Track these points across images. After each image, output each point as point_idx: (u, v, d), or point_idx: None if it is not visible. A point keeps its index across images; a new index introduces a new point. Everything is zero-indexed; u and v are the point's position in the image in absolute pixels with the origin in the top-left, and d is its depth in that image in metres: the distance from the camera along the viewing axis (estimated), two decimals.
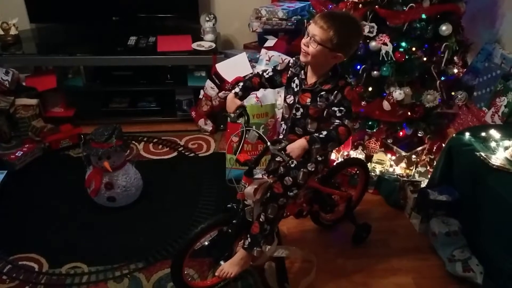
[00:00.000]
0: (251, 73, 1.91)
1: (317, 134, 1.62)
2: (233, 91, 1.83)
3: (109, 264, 2.07)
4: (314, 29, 1.60)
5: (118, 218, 2.36)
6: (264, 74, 1.86)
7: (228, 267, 1.82)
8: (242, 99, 1.82)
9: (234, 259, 1.84)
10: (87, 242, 2.20)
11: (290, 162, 1.77)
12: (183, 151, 2.96)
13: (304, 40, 1.66)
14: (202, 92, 3.12)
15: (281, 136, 1.88)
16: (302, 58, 1.69)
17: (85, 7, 3.25)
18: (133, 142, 3.01)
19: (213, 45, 3.16)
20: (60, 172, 2.71)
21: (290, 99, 1.81)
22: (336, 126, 1.64)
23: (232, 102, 1.79)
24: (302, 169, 1.80)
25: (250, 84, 1.86)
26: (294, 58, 1.81)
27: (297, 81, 1.78)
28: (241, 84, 1.85)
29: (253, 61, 3.08)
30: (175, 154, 2.93)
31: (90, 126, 2.77)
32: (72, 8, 3.26)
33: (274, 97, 2.72)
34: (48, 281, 1.99)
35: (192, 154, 2.93)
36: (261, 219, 1.79)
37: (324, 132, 1.62)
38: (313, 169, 1.83)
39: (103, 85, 3.28)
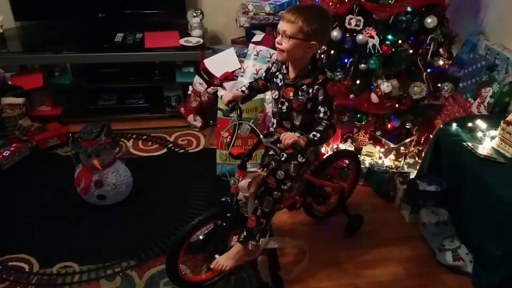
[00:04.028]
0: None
1: (312, 137, 1.68)
2: (240, 89, 1.92)
3: (100, 263, 2.06)
4: (283, 25, 1.66)
5: (109, 216, 2.34)
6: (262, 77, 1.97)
7: (224, 260, 1.82)
8: (248, 98, 1.92)
9: (229, 252, 1.83)
10: (78, 241, 2.19)
11: (281, 155, 1.79)
12: (172, 148, 2.95)
13: (277, 39, 1.70)
14: (190, 88, 3.11)
15: (271, 130, 1.90)
16: (278, 57, 1.75)
17: (71, 4, 3.22)
18: (122, 139, 2.99)
19: (201, 40, 3.15)
20: (48, 171, 2.69)
21: (275, 93, 1.86)
22: (326, 127, 1.71)
23: (231, 95, 1.84)
24: (292, 162, 1.83)
25: (256, 85, 1.95)
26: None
27: (280, 76, 1.82)
28: (248, 84, 1.95)
29: (241, 56, 3.07)
30: (165, 150, 2.92)
31: (78, 124, 2.75)
32: (57, 5, 3.23)
33: None
34: (39, 281, 1.97)
35: (182, 150, 2.92)
36: (258, 213, 1.80)
37: (318, 135, 1.69)
38: (303, 160, 1.85)
39: (91, 82, 3.26)
